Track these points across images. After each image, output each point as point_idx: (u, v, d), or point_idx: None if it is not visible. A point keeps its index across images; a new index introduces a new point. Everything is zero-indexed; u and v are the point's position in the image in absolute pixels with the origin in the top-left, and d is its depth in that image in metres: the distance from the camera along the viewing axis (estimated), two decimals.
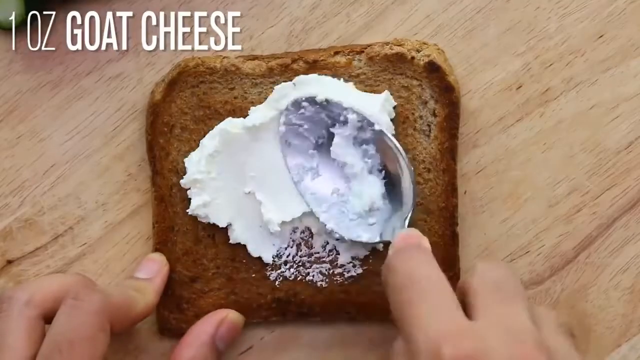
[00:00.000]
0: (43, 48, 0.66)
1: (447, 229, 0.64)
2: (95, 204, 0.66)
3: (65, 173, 0.66)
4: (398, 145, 0.61)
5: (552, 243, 0.66)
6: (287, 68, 0.64)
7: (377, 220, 0.62)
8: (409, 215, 0.61)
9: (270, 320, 0.65)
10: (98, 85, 0.66)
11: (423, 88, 0.63)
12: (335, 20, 0.66)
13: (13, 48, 0.66)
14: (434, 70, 0.63)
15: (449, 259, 0.64)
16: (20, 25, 0.64)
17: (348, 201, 0.63)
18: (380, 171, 0.63)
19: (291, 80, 0.63)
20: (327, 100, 0.62)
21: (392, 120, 0.63)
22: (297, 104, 0.62)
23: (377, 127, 0.61)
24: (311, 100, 0.62)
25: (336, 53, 0.64)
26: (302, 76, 0.63)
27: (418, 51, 0.63)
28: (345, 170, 0.63)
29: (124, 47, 0.66)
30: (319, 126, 0.63)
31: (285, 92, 0.63)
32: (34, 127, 0.66)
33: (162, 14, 0.66)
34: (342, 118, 0.62)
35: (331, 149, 0.63)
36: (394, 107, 0.63)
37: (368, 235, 0.62)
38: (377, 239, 0.62)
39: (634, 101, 0.65)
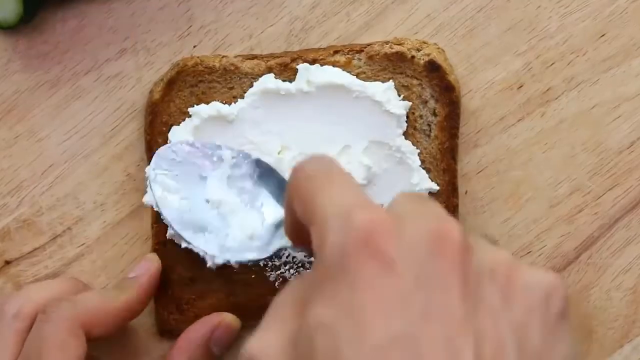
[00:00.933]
0: (41, 47, 0.66)
1: None
2: (94, 204, 0.66)
3: (64, 173, 0.66)
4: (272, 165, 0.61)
5: (554, 243, 0.65)
6: (286, 67, 0.64)
7: (261, 243, 0.60)
8: None
9: None
10: (96, 85, 0.66)
11: (423, 87, 0.63)
12: (335, 20, 0.65)
13: (11, 47, 0.66)
14: (434, 70, 0.63)
15: None
16: (18, 24, 0.64)
17: (228, 235, 0.61)
18: (260, 205, 0.61)
19: (290, 80, 0.63)
20: (201, 143, 0.61)
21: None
22: (168, 150, 0.61)
23: (253, 157, 0.61)
24: (184, 144, 0.61)
25: (336, 52, 0.64)
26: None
27: (418, 50, 0.63)
28: (221, 209, 0.62)
29: (123, 46, 0.66)
30: (190, 170, 0.62)
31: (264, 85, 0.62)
32: (32, 126, 0.66)
33: (161, 12, 0.66)
34: (215, 158, 0.61)
35: (205, 191, 0.61)
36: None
37: (255, 254, 0.60)
38: (268, 253, 0.60)
39: (635, 101, 0.65)
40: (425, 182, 0.63)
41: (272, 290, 0.64)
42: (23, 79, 0.66)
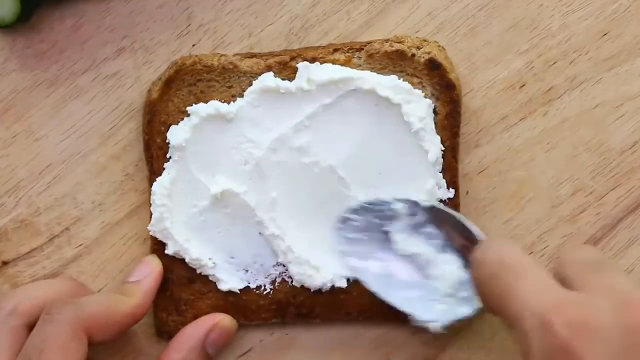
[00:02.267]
0: (38, 46, 0.65)
1: None
2: (92, 204, 0.66)
3: (62, 173, 0.66)
4: (452, 212, 0.60)
5: (556, 244, 0.65)
6: (285, 66, 0.63)
7: (468, 293, 0.60)
8: None
9: (270, 323, 0.65)
10: (94, 84, 0.66)
11: (424, 86, 0.63)
12: (335, 18, 0.65)
13: (8, 46, 0.66)
14: (434, 68, 0.63)
15: None
16: (16, 23, 0.63)
17: (434, 290, 0.61)
18: (449, 246, 0.61)
19: (290, 79, 0.63)
20: (369, 203, 0.61)
21: None
22: (344, 219, 0.61)
23: (426, 204, 0.61)
24: (356, 209, 0.61)
25: (335, 50, 0.63)
26: (305, 63, 0.62)
27: (418, 48, 0.63)
28: (417, 260, 0.61)
29: (121, 45, 0.65)
30: (375, 230, 0.62)
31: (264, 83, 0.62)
32: (30, 126, 0.66)
33: (159, 11, 0.65)
34: (389, 213, 0.61)
35: (394, 247, 0.61)
36: None
37: (468, 309, 0.60)
38: (475, 308, 0.60)
39: (638, 100, 0.65)
40: (441, 191, 0.63)
41: (272, 291, 0.64)
42: (20, 78, 0.66)
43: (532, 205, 0.65)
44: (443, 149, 0.63)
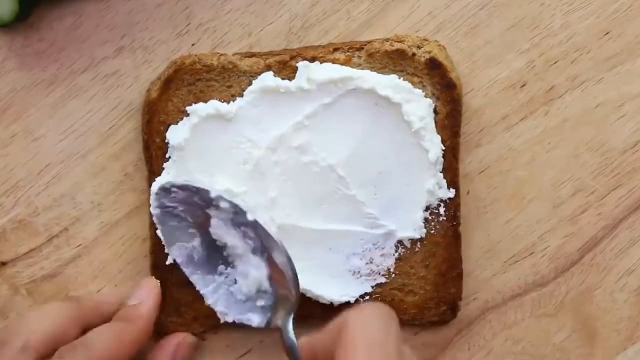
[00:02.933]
0: (37, 45, 0.65)
1: (449, 228, 0.63)
2: (91, 204, 0.66)
3: (60, 173, 0.66)
4: (274, 235, 0.60)
5: (557, 244, 0.65)
6: (285, 65, 0.63)
7: (266, 303, 0.62)
8: (294, 306, 0.60)
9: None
10: (93, 83, 0.65)
11: (424, 85, 0.62)
12: (335, 17, 0.65)
13: (6, 45, 0.65)
14: (435, 67, 0.62)
15: (451, 259, 0.63)
16: (14, 22, 0.63)
17: (235, 281, 0.62)
18: (262, 253, 0.61)
19: (290, 78, 0.62)
20: (195, 187, 0.61)
21: None
22: (166, 189, 0.61)
23: (250, 217, 0.60)
24: (180, 186, 0.61)
25: (335, 50, 0.63)
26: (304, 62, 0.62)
27: (419, 47, 0.63)
28: (228, 251, 0.62)
29: (120, 44, 0.65)
30: (195, 207, 0.61)
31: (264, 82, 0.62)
32: (28, 125, 0.65)
33: (159, 10, 0.65)
34: (214, 202, 0.61)
35: (210, 229, 0.61)
36: None
37: (258, 319, 0.62)
38: (264, 325, 0.61)
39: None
40: (441, 190, 0.63)
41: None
42: (19, 77, 0.65)
43: (533, 205, 0.65)
44: (443, 148, 0.62)
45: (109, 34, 0.65)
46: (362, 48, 0.63)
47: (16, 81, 0.65)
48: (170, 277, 0.64)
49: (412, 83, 0.62)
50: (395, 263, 0.64)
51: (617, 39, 0.65)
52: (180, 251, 0.62)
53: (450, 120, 0.63)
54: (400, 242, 0.63)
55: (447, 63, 0.63)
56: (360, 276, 0.64)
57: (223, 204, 0.60)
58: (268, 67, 0.63)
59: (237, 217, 0.60)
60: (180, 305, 0.64)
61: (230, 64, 0.63)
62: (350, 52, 0.63)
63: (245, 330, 0.65)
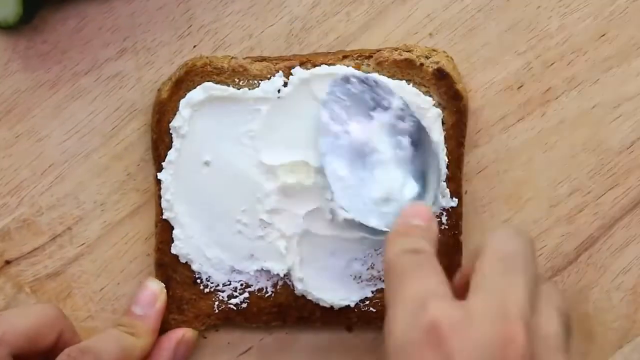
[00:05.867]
0: (41, 47, 0.66)
1: (450, 237, 0.63)
2: (94, 204, 0.66)
3: (64, 173, 0.66)
4: (437, 141, 0.61)
5: (554, 243, 0.65)
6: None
7: (391, 211, 0.61)
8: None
9: (271, 325, 0.65)
10: (96, 85, 0.66)
11: (431, 95, 0.63)
12: (335, 19, 0.65)
13: (11, 47, 0.66)
14: (442, 77, 0.63)
15: (452, 267, 0.63)
16: (18, 24, 0.64)
17: (366, 186, 0.61)
18: (409, 165, 0.61)
19: None
20: (375, 81, 0.61)
21: None
22: (345, 78, 0.62)
23: (417, 116, 0.61)
24: (360, 78, 0.61)
25: (345, 57, 0.63)
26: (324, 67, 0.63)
27: (427, 57, 0.63)
28: (373, 157, 0.62)
29: (123, 46, 0.65)
30: (361, 107, 0.62)
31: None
32: (32, 126, 0.66)
33: (161, 12, 0.65)
34: (385, 103, 0.61)
35: (367, 131, 0.61)
36: None
37: (377, 221, 0.61)
38: (384, 228, 0.60)
39: (636, 101, 0.65)
40: (444, 200, 0.63)
41: (273, 294, 0.64)
42: (23, 78, 0.66)
43: (530, 205, 0.65)
44: (448, 159, 0.63)
45: (112, 36, 0.66)
46: (372, 56, 0.63)
47: (20, 82, 0.66)
48: (173, 275, 0.64)
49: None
50: None
51: (613, 41, 0.65)
52: (328, 141, 0.62)
53: (455, 130, 0.63)
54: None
55: (454, 74, 0.63)
56: (361, 281, 0.64)
57: (396, 102, 0.61)
58: (278, 72, 0.63)
59: (400, 123, 0.61)
60: (182, 303, 0.65)
61: (241, 68, 0.63)
62: (360, 59, 0.63)
63: (246, 328, 0.65)
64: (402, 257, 0.52)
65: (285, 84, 0.63)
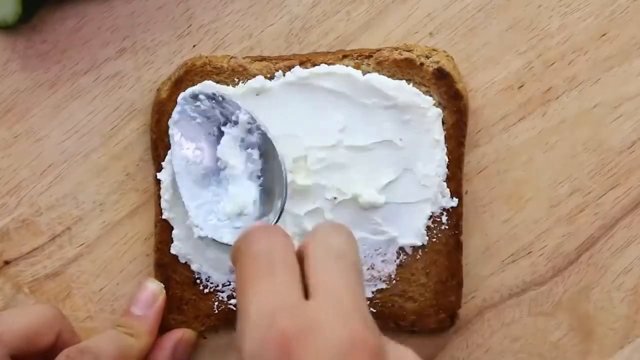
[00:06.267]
0: (40, 47, 0.66)
1: (451, 237, 0.63)
2: (93, 204, 0.66)
3: (63, 173, 0.66)
4: (281, 158, 0.61)
5: (555, 244, 0.65)
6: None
7: (243, 226, 0.61)
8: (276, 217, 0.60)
9: None
10: (96, 84, 0.66)
11: (431, 94, 0.62)
12: (335, 19, 0.65)
13: (10, 47, 0.66)
14: (442, 77, 0.62)
15: (452, 267, 0.63)
16: (17, 23, 0.64)
17: (220, 202, 0.62)
18: (259, 177, 0.62)
19: None
20: (222, 97, 0.61)
21: None
22: (194, 95, 0.62)
23: (263, 129, 0.61)
24: (208, 95, 0.62)
25: (345, 57, 0.63)
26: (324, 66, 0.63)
27: (427, 57, 0.63)
28: (225, 171, 0.62)
29: (122, 45, 0.65)
30: (211, 123, 0.62)
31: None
32: (31, 126, 0.66)
33: (160, 12, 0.65)
34: (234, 117, 0.61)
35: (218, 147, 0.62)
36: None
37: (230, 237, 0.61)
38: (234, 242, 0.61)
39: (636, 100, 0.65)
40: (444, 199, 0.63)
41: None
42: (22, 78, 0.66)
43: (530, 205, 0.65)
44: (448, 159, 0.63)
45: (111, 36, 0.65)
46: (372, 56, 0.63)
47: (19, 82, 0.66)
48: (173, 275, 0.64)
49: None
50: (396, 269, 0.64)
51: (614, 41, 0.65)
52: (181, 161, 0.62)
53: (455, 130, 0.63)
54: (402, 249, 0.63)
55: (454, 73, 0.63)
56: None
57: (243, 117, 0.61)
58: (277, 71, 0.63)
59: (249, 137, 0.61)
60: (182, 303, 0.65)
61: (240, 67, 0.63)
62: (360, 59, 0.63)
63: None
64: (251, 260, 0.52)
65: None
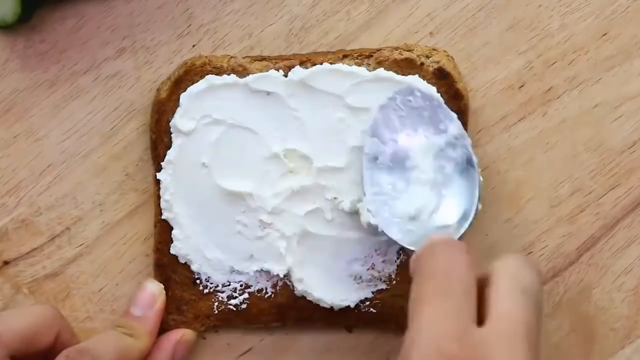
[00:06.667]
0: (39, 47, 0.65)
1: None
2: (93, 204, 0.66)
3: (62, 173, 0.66)
4: (480, 177, 0.60)
5: (555, 244, 0.65)
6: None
7: (415, 230, 0.60)
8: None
9: (270, 326, 0.65)
10: (95, 84, 0.66)
11: None
12: (335, 19, 0.65)
13: (9, 47, 0.65)
14: (443, 77, 0.62)
15: None
16: (16, 23, 0.63)
17: (399, 198, 0.61)
18: (440, 190, 0.61)
19: None
20: (439, 102, 0.61)
21: None
22: (410, 90, 0.61)
23: (469, 149, 0.60)
24: (426, 95, 0.61)
25: (345, 56, 0.63)
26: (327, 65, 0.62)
27: (427, 57, 0.63)
28: (413, 172, 0.61)
29: (122, 45, 0.65)
30: (415, 122, 0.61)
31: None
32: (31, 126, 0.66)
33: (160, 11, 0.65)
34: (442, 126, 0.61)
35: (412, 147, 0.61)
36: None
37: (398, 235, 0.60)
38: (406, 244, 0.60)
39: (637, 100, 0.65)
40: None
41: (273, 295, 0.64)
42: (21, 78, 0.66)
43: (531, 205, 0.65)
44: None
45: (111, 36, 0.65)
46: (372, 55, 0.63)
47: (18, 82, 0.66)
48: (172, 275, 0.64)
49: None
50: (396, 270, 0.64)
51: (614, 40, 0.65)
52: (372, 146, 0.61)
53: None
54: (402, 249, 0.63)
55: (455, 73, 0.63)
56: (362, 282, 0.64)
57: (453, 129, 0.60)
58: (277, 71, 0.63)
59: (449, 150, 0.61)
60: (181, 303, 0.65)
61: (240, 67, 0.63)
62: (360, 59, 0.63)
63: (246, 329, 0.65)
64: (429, 277, 0.52)
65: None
